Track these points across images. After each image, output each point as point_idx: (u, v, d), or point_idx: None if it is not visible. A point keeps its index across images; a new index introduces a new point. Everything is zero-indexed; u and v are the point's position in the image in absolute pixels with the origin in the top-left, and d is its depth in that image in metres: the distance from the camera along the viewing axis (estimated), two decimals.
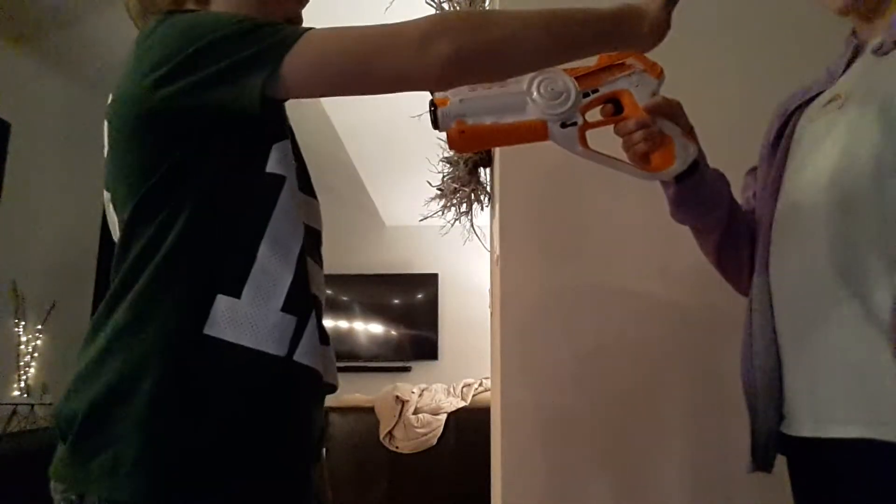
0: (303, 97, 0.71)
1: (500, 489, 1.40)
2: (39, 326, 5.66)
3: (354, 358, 6.74)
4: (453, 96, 0.77)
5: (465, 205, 1.96)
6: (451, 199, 1.96)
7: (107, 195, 0.81)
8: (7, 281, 5.35)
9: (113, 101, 0.77)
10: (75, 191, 6.18)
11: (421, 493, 3.19)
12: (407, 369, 6.66)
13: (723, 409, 1.33)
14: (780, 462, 0.86)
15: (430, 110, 0.79)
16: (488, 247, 1.90)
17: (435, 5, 1.82)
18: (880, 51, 0.78)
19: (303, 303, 0.74)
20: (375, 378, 6.33)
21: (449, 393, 3.47)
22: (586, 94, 0.83)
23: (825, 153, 0.79)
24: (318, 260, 0.85)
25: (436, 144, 2.01)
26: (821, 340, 0.74)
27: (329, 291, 7.00)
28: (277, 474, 0.70)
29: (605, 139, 0.87)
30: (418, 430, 3.19)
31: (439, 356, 6.73)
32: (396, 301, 6.92)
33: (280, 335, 0.70)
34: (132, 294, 0.70)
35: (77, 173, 6.19)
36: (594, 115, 0.86)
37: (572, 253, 1.47)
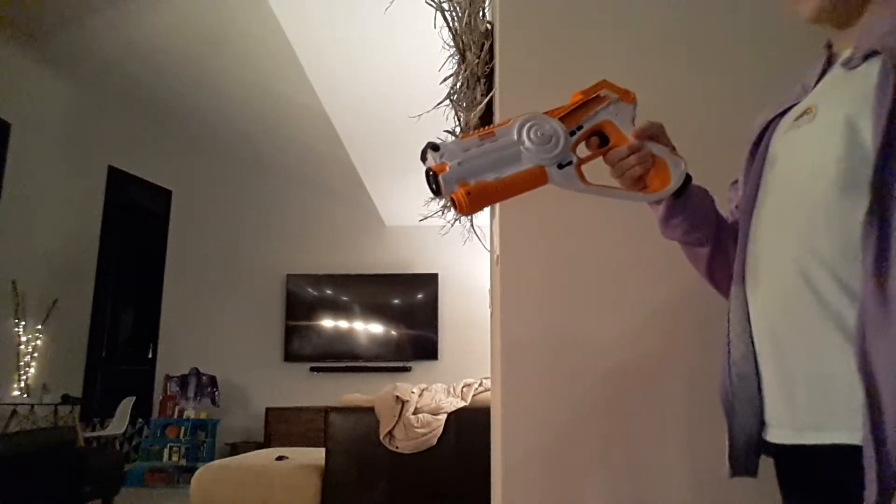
0: None
1: (501, 489, 1.40)
2: (39, 326, 5.66)
3: (354, 358, 6.75)
4: (450, 160, 0.76)
5: None
6: None
7: None
8: (7, 280, 5.35)
9: None
10: (75, 190, 6.18)
11: (421, 493, 3.18)
12: (407, 369, 6.66)
13: (723, 415, 1.32)
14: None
15: (429, 179, 0.78)
16: (488, 247, 1.90)
17: (435, 5, 1.82)
18: (849, 64, 0.79)
19: None
20: (375, 378, 6.33)
21: (449, 393, 3.47)
22: (573, 133, 0.85)
23: (796, 166, 0.81)
24: None
25: None
26: (794, 348, 0.76)
27: (329, 291, 7.02)
28: None
29: (595, 171, 0.88)
30: (418, 430, 3.19)
31: (439, 356, 6.73)
32: (396, 301, 6.92)
33: None
34: None
35: (77, 173, 6.20)
36: (581, 150, 0.88)
37: (573, 253, 1.47)
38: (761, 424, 0.81)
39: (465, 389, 3.49)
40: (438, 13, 1.81)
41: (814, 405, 0.73)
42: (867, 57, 0.76)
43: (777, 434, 0.79)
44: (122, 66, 5.51)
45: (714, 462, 1.34)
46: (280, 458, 3.64)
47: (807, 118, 0.81)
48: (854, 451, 0.65)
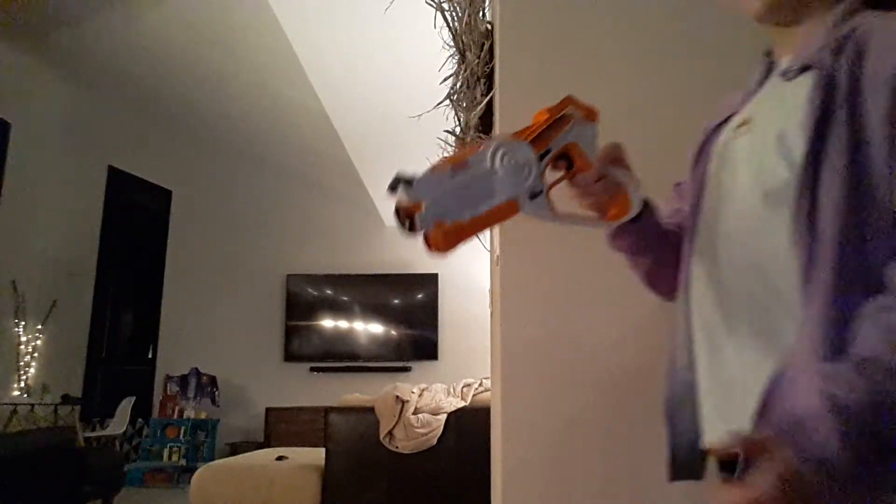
0: None
1: (501, 489, 1.40)
2: (39, 326, 5.67)
3: (354, 358, 6.75)
4: (424, 197, 0.71)
5: None
6: None
7: None
8: (7, 280, 5.35)
9: None
10: (75, 190, 6.18)
11: (421, 493, 3.18)
12: (407, 369, 6.66)
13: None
14: None
15: (400, 216, 0.72)
16: (488, 247, 1.91)
17: (435, 5, 1.82)
18: (787, 75, 0.79)
19: None
20: (375, 378, 6.33)
21: (449, 393, 3.47)
22: (541, 157, 0.81)
23: (733, 178, 0.81)
24: None
25: (436, 144, 2.01)
26: (729, 356, 0.78)
27: (329, 291, 7.01)
28: None
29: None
30: (418, 430, 3.19)
31: (439, 356, 6.73)
32: (396, 301, 6.92)
33: None
34: None
35: (77, 173, 6.19)
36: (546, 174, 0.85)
37: (573, 252, 1.46)
38: (700, 429, 0.83)
39: (465, 389, 3.49)
40: (438, 13, 1.82)
41: (748, 410, 0.74)
42: (803, 70, 0.76)
43: (714, 439, 0.80)
44: (122, 66, 5.51)
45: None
46: (280, 458, 3.64)
47: (744, 129, 0.82)
48: None
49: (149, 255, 6.88)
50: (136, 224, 6.81)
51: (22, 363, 5.53)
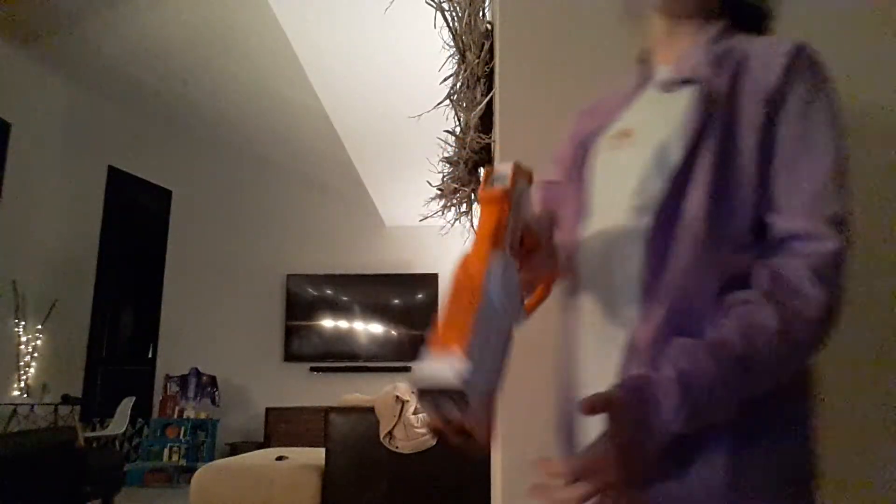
0: None
1: (501, 489, 1.40)
2: (39, 326, 5.67)
3: (354, 358, 6.75)
4: (471, 394, 0.63)
5: (465, 205, 1.96)
6: (451, 199, 1.96)
7: None
8: (7, 280, 5.35)
9: None
10: (75, 190, 6.19)
11: (421, 493, 3.18)
12: (407, 369, 6.66)
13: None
14: None
15: (458, 434, 0.67)
16: None
17: (435, 5, 1.82)
18: (666, 87, 0.79)
19: None
20: (375, 378, 6.33)
21: None
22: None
23: (613, 190, 0.80)
24: None
25: (436, 144, 2.01)
26: (601, 372, 0.76)
27: (329, 291, 7.01)
28: None
29: None
30: (418, 430, 3.19)
31: None
32: (396, 301, 6.92)
33: None
34: None
35: (77, 173, 6.20)
36: None
37: None
38: None
39: None
40: (438, 13, 1.82)
41: None
42: (685, 83, 0.76)
43: None
44: (122, 66, 5.51)
45: None
46: (280, 458, 3.64)
47: (626, 142, 0.80)
48: None
49: (149, 255, 6.88)
50: (136, 224, 6.81)
51: (22, 363, 5.53)
